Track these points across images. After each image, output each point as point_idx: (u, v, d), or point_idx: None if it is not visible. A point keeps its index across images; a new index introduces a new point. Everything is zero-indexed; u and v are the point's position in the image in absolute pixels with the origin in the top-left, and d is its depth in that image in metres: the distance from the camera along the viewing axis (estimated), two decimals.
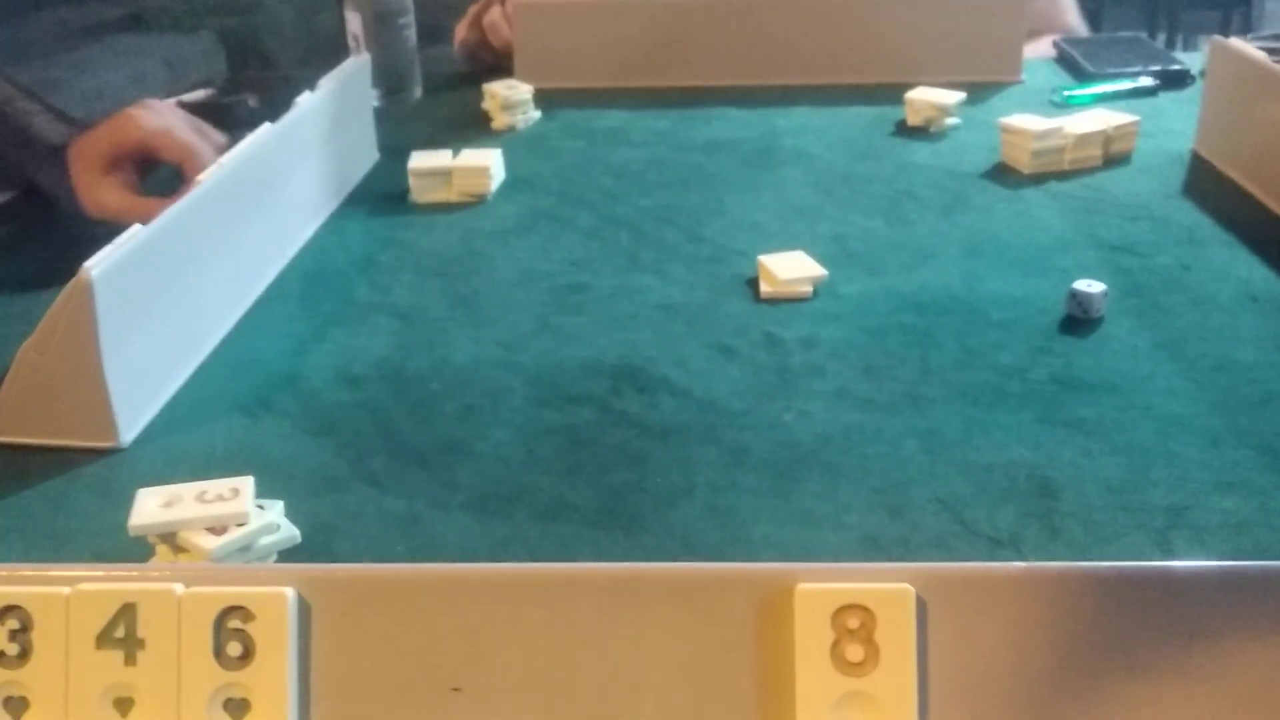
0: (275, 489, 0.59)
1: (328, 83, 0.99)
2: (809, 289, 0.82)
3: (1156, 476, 0.60)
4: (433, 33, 1.54)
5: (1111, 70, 1.31)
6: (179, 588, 0.36)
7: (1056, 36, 1.46)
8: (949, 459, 0.62)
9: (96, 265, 0.62)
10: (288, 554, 0.54)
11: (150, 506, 0.52)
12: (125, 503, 0.58)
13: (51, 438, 0.64)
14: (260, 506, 0.54)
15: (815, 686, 0.35)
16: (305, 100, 0.94)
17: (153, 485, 0.55)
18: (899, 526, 0.57)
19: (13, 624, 0.37)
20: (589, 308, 0.82)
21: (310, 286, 0.86)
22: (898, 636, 0.35)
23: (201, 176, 0.76)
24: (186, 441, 0.66)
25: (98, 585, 0.36)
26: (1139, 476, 0.60)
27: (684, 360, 0.74)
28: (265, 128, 0.87)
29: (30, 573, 0.37)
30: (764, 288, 0.83)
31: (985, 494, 0.59)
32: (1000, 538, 0.55)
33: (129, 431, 0.65)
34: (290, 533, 0.54)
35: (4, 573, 0.37)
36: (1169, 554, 0.54)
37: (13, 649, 0.37)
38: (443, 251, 0.92)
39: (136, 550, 0.53)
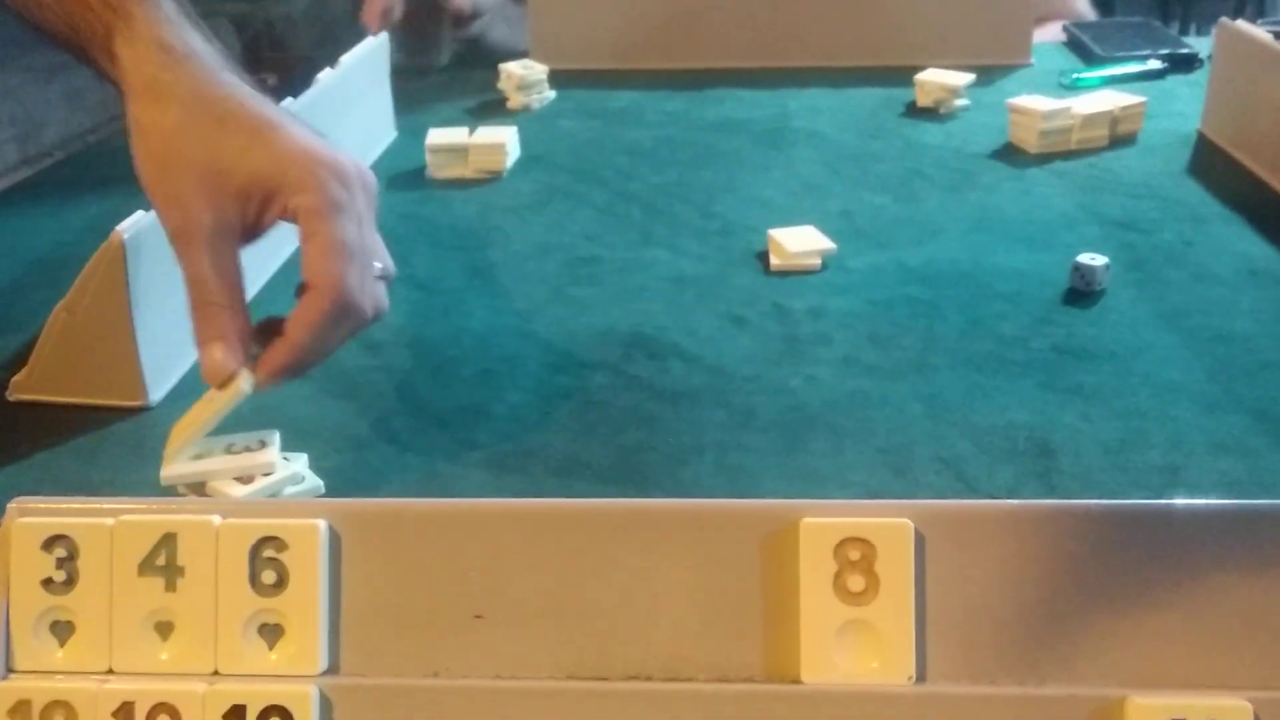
0: (299, 446, 0.61)
1: (348, 60, 1.01)
2: (818, 262, 0.84)
3: (1154, 439, 0.62)
4: None
5: (1120, 54, 1.32)
6: (217, 519, 0.39)
7: (1065, 21, 1.48)
8: (951, 421, 0.64)
9: (129, 228, 0.64)
10: None
11: (181, 458, 0.54)
12: (154, 459, 0.60)
13: (82, 396, 0.66)
14: (285, 459, 0.56)
15: (818, 615, 0.37)
16: (326, 76, 0.96)
17: None
18: (902, 484, 0.59)
19: (60, 552, 0.39)
20: (602, 279, 0.84)
21: None
22: (897, 568, 0.37)
23: None
24: None
25: (140, 516, 0.39)
26: (1136, 439, 0.62)
27: (694, 329, 0.76)
28: (287, 102, 0.88)
29: (77, 505, 0.39)
30: (774, 260, 0.85)
31: (986, 454, 0.61)
32: (999, 494, 0.57)
33: (157, 391, 0.67)
34: (314, 483, 0.56)
35: (51, 505, 0.39)
36: None
37: (60, 576, 0.39)
38: (459, 225, 0.94)
39: None
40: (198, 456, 0.53)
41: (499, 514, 0.39)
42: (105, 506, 0.39)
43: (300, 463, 0.57)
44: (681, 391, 0.68)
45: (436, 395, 0.69)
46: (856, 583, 0.37)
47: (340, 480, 0.59)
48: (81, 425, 0.65)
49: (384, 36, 1.15)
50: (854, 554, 0.37)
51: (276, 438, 0.55)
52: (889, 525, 0.37)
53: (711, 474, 0.60)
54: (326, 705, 0.38)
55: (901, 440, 0.62)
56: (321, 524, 0.38)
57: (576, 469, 0.61)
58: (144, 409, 0.67)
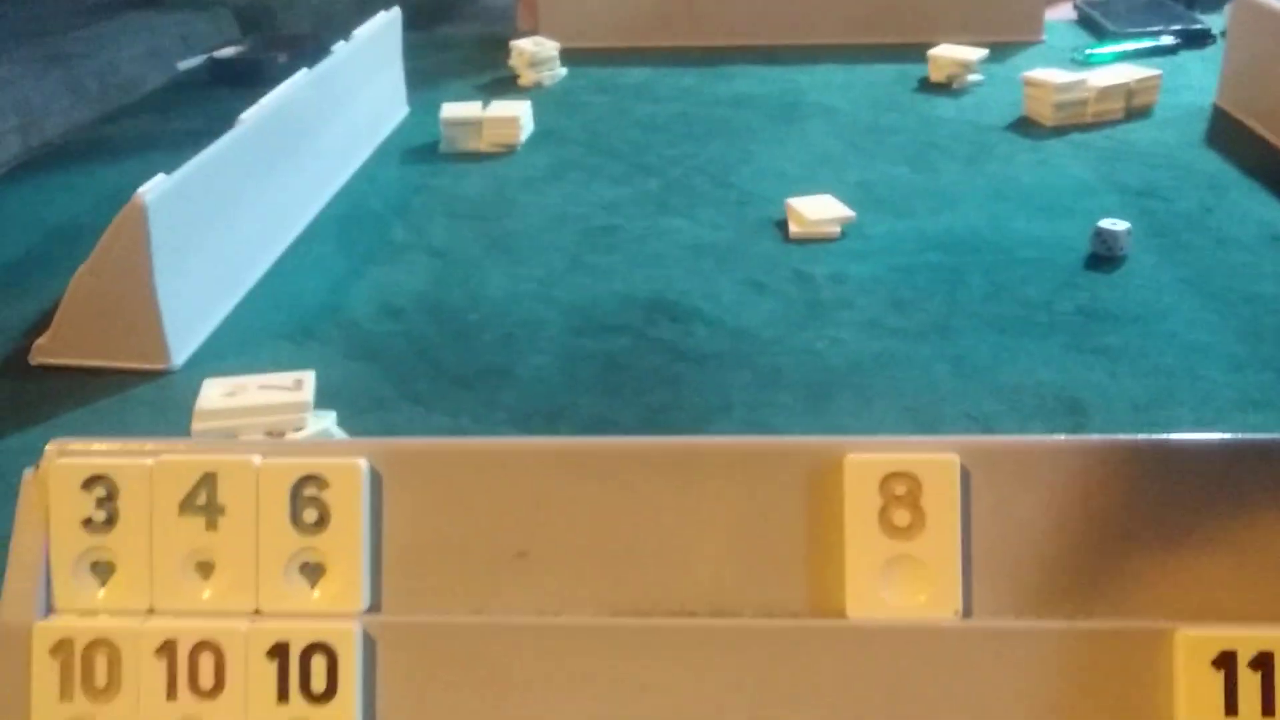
0: (325, 406, 0.60)
1: (361, 33, 1.01)
2: (837, 229, 0.84)
3: (1182, 397, 0.61)
4: None
5: (1132, 30, 1.32)
6: (257, 459, 0.38)
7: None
8: (978, 381, 0.64)
9: (150, 191, 0.63)
10: None
11: (215, 394, 0.53)
12: (178, 420, 0.60)
13: (104, 359, 0.66)
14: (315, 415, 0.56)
15: (864, 549, 0.37)
16: (341, 48, 0.96)
17: None
18: None
19: (99, 492, 0.38)
20: (621, 247, 0.84)
21: (346, 228, 0.88)
22: (943, 502, 0.37)
23: (244, 115, 0.77)
24: (235, 365, 0.67)
25: (180, 456, 0.38)
26: (1165, 396, 0.62)
27: (716, 294, 0.76)
28: (303, 72, 0.88)
29: (116, 446, 0.39)
30: (793, 228, 0.84)
31: (1015, 411, 0.61)
32: None
33: (179, 355, 0.67)
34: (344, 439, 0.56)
35: (90, 446, 0.39)
36: None
37: (99, 516, 0.38)
38: (475, 197, 0.94)
39: None
40: (232, 393, 0.53)
41: (542, 452, 0.38)
42: (145, 447, 0.39)
43: (329, 419, 0.56)
44: (706, 353, 0.68)
45: (459, 358, 0.68)
46: (902, 517, 0.37)
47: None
48: (104, 389, 0.65)
49: (396, 12, 1.15)
50: (899, 489, 0.37)
51: (311, 378, 0.55)
52: (935, 460, 0.37)
53: (739, 431, 0.60)
54: (369, 643, 0.37)
55: (929, 399, 0.62)
56: (363, 462, 0.38)
57: (604, 428, 0.60)
58: (166, 372, 0.67)
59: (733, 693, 0.37)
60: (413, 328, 0.72)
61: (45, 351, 0.67)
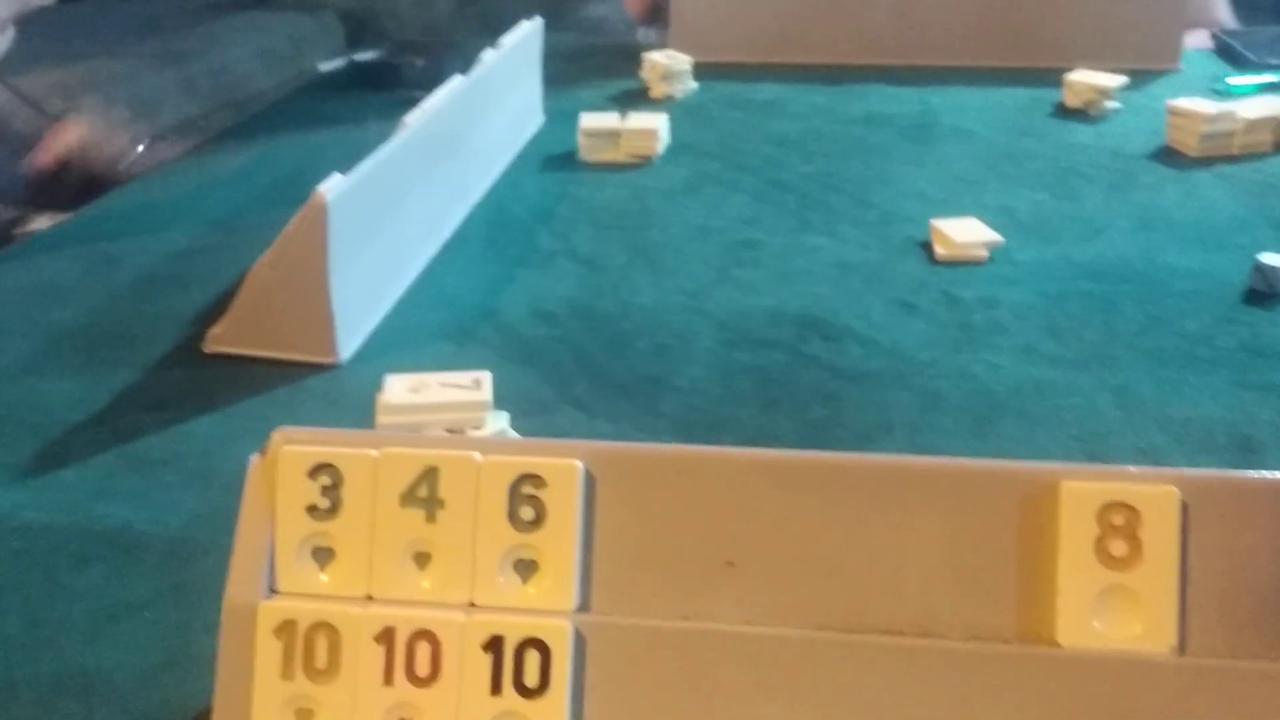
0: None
1: (509, 41, 1.03)
2: (985, 253, 0.83)
3: None
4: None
5: (1275, 60, 1.29)
6: (478, 455, 0.39)
7: (1205, 28, 1.44)
8: (1144, 413, 0.63)
9: (331, 189, 0.65)
10: None
11: (399, 389, 0.55)
12: (350, 411, 0.62)
13: (277, 351, 0.68)
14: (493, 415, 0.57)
15: (1078, 577, 0.37)
16: (489, 56, 0.98)
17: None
18: None
19: (325, 480, 0.40)
20: (765, 262, 0.84)
21: (495, 233, 0.89)
22: (1162, 535, 0.37)
23: (407, 118, 0.80)
24: (399, 362, 0.69)
25: (405, 449, 0.40)
26: None
27: (866, 313, 0.76)
28: (457, 79, 0.90)
29: (341, 435, 0.40)
30: (939, 250, 0.84)
31: (1184, 446, 0.60)
32: None
33: (346, 350, 0.69)
34: None
35: (316, 435, 0.41)
36: None
37: (324, 503, 0.40)
38: (616, 206, 0.95)
39: None
40: (415, 389, 0.55)
41: (753, 463, 0.39)
42: (368, 438, 0.40)
43: (504, 420, 0.58)
44: (862, 372, 0.68)
45: (615, 365, 0.69)
46: (1119, 548, 0.37)
47: None
48: (277, 379, 0.67)
49: (538, 22, 1.17)
50: (1117, 519, 0.37)
51: (489, 378, 0.56)
52: (1155, 492, 0.37)
53: (905, 452, 0.60)
54: (580, 641, 0.38)
55: (1095, 429, 0.62)
56: (579, 464, 0.39)
57: (767, 442, 0.60)
58: (334, 365, 0.69)
59: (937, 713, 0.37)
60: (567, 333, 0.74)
61: (220, 340, 0.70)
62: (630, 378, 0.68)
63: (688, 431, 0.62)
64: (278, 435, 0.41)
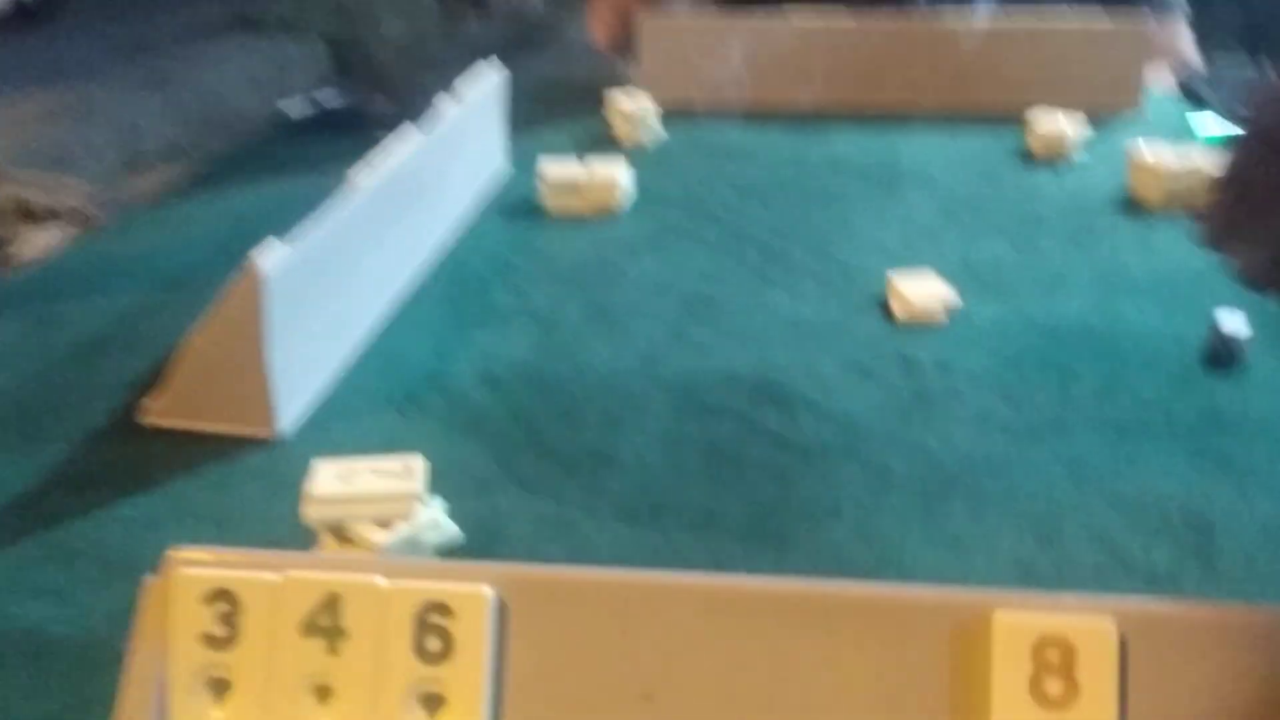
0: (431, 483, 0.60)
1: (466, 89, 1.01)
2: (943, 317, 0.82)
3: None
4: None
5: (1238, 106, 1.28)
6: (382, 580, 0.38)
7: (1168, 59, 1.43)
8: (1097, 490, 0.61)
9: (268, 258, 0.63)
10: (447, 553, 0.55)
11: (327, 477, 0.53)
12: (286, 491, 0.60)
13: (213, 424, 0.66)
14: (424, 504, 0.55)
15: (1013, 718, 0.35)
16: (447, 106, 0.96)
17: None
18: (1051, 555, 0.56)
19: (222, 607, 0.38)
20: (722, 321, 0.83)
21: (451, 289, 0.88)
22: (1099, 673, 0.35)
23: (355, 175, 0.78)
24: (341, 435, 0.67)
25: (307, 573, 0.38)
26: None
27: (820, 378, 0.74)
28: (414, 133, 0.89)
29: (239, 556, 0.39)
30: (896, 310, 0.83)
31: (1138, 528, 0.58)
32: (1158, 574, 0.55)
33: (288, 422, 0.67)
34: (452, 530, 0.55)
35: (213, 555, 0.39)
36: None
37: (221, 631, 0.38)
38: (576, 260, 0.93)
39: (300, 538, 0.55)
40: (342, 478, 0.53)
41: (673, 589, 0.37)
42: (269, 559, 0.38)
43: (436, 509, 0.56)
44: (812, 445, 0.66)
45: (562, 437, 0.67)
46: (1055, 686, 0.35)
47: (473, 526, 0.58)
48: (212, 454, 0.65)
49: (502, 72, 1.15)
50: (1053, 656, 0.35)
51: (421, 463, 0.54)
52: (1091, 626, 0.35)
53: (852, 537, 0.58)
54: None
55: (1046, 508, 0.60)
56: (489, 591, 0.37)
57: (711, 525, 0.59)
58: (274, 440, 0.67)
59: None
60: (516, 401, 0.72)
61: (154, 412, 0.68)
62: (577, 452, 0.66)
63: (632, 514, 0.60)
64: (173, 556, 0.39)
